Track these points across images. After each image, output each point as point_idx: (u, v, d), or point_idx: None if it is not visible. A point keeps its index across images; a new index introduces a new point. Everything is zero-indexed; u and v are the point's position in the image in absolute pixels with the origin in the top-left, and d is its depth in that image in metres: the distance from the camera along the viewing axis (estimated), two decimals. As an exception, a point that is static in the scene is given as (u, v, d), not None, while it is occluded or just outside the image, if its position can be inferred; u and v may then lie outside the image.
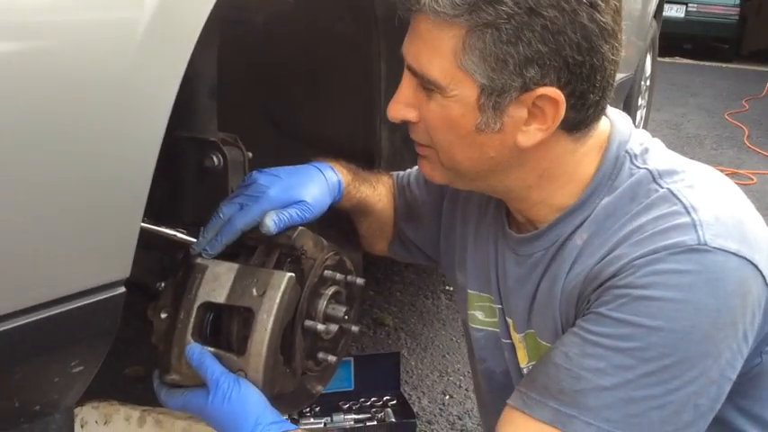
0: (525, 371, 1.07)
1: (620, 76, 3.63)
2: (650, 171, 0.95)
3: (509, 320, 1.10)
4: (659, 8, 4.46)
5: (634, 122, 4.39)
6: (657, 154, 0.98)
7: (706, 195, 0.91)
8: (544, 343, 1.01)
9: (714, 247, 0.85)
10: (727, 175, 4.08)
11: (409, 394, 2.15)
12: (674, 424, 0.86)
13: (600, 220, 0.95)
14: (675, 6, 11.94)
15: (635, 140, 1.00)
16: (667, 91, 7.70)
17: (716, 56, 12.05)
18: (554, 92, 0.88)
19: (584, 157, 0.98)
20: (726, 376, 0.88)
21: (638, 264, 0.86)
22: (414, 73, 0.93)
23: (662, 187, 0.92)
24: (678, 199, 0.90)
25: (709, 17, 12.12)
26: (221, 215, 1.06)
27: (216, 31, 1.13)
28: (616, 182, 0.96)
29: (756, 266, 0.87)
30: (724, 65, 11.35)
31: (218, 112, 1.22)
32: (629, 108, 4.12)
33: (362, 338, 2.44)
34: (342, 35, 1.51)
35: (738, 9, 12.24)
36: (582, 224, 0.97)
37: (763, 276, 0.88)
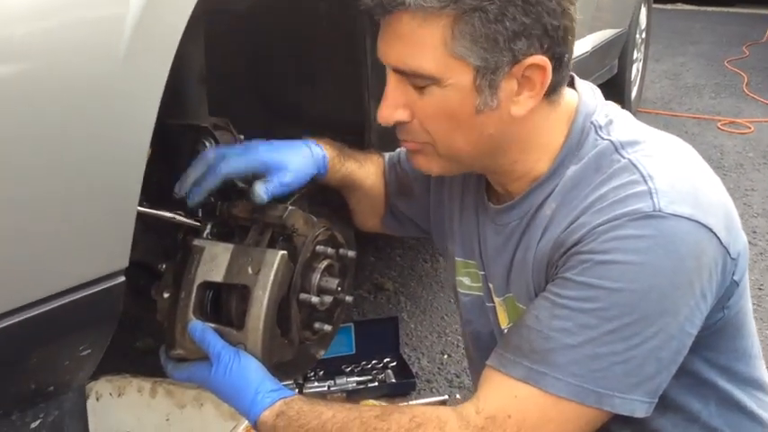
0: (506, 331, 1.13)
1: (613, 32, 3.61)
2: (613, 142, 1.00)
3: (491, 285, 1.16)
4: (653, -41, 4.40)
5: (631, 76, 4.32)
6: (621, 125, 1.03)
7: (663, 164, 0.96)
8: (521, 306, 1.07)
9: (669, 213, 0.90)
10: (725, 124, 4.10)
11: (409, 355, 2.22)
12: (637, 376, 0.92)
13: (567, 190, 1.00)
14: (676, -49, 11.71)
15: (600, 112, 1.05)
16: (668, 39, 7.59)
17: (718, 0, 11.85)
18: (541, 59, 0.95)
19: (555, 125, 1.03)
20: (685, 331, 0.94)
21: (599, 231, 0.92)
22: (401, 73, 0.96)
23: (623, 158, 0.97)
24: (637, 168, 0.95)
25: (710, -40, 11.89)
26: (206, 158, 1.10)
27: (201, 22, 1.16)
28: (582, 152, 1.02)
29: (710, 229, 0.92)
30: (726, 9, 11.15)
31: (209, 97, 1.26)
32: (625, 62, 4.10)
33: (364, 303, 2.50)
34: (326, 14, 1.55)
35: (741, -49, 11.99)
36: (551, 194, 1.02)
37: (718, 238, 0.93)
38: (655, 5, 5.32)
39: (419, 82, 0.95)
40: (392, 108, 0.98)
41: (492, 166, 1.06)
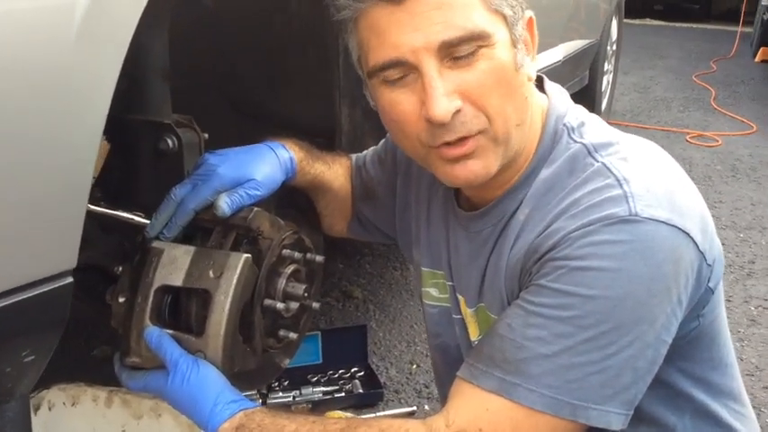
0: (476, 343, 1.09)
1: (584, 42, 3.63)
2: (585, 145, 0.97)
3: (460, 297, 1.12)
4: (624, -29, 4.45)
5: (601, 88, 4.36)
6: (593, 128, 1.01)
7: (638, 167, 0.93)
8: (493, 316, 1.03)
9: (645, 217, 0.87)
10: (693, 137, 4.14)
11: (377, 365, 2.19)
12: (612, 387, 0.89)
13: (540, 194, 0.97)
14: (645, -33, 11.90)
15: (571, 114, 1.02)
16: (636, 54, 7.72)
17: (687, 17, 12.06)
18: (531, 13, 0.95)
19: (531, 121, 1.00)
20: (661, 339, 0.91)
21: (574, 236, 0.89)
22: (451, 45, 0.88)
23: (597, 161, 0.95)
24: (611, 172, 0.92)
25: (678, -23, 12.11)
26: (173, 196, 1.06)
27: (166, 14, 1.12)
28: (554, 155, 0.99)
29: (688, 234, 0.89)
30: (694, 25, 11.37)
31: (175, 96, 1.21)
32: (596, 73, 4.13)
33: (331, 311, 2.46)
34: (297, 12, 1.51)
35: (708, -32, 12.24)
36: (524, 199, 0.99)
37: (695, 242, 0.90)
38: (624, 20, 5.39)
39: (469, 48, 0.89)
40: (446, 96, 0.89)
41: (517, 148, 0.98)
